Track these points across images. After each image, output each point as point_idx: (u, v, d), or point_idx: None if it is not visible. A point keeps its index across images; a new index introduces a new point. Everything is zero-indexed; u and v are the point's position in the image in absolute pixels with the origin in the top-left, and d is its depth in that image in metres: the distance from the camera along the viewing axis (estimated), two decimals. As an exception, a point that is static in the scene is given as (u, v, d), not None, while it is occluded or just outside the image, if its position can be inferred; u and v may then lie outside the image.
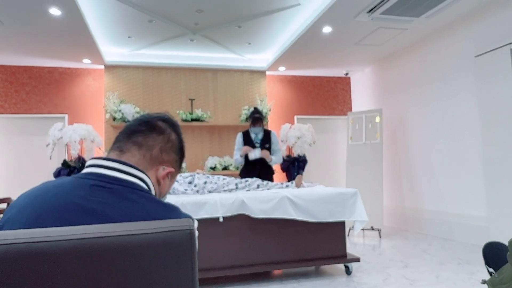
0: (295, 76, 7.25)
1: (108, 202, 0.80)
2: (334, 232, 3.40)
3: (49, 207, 0.78)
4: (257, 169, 4.24)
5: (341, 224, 3.44)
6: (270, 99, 6.94)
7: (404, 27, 4.92)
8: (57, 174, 5.25)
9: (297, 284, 3.18)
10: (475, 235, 4.53)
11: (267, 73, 6.93)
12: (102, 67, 6.28)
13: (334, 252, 3.38)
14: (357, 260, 3.41)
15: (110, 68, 6.21)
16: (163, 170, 0.97)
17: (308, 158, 6.25)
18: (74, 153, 5.31)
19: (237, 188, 3.55)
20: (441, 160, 5.15)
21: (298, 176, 3.92)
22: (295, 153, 6.18)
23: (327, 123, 7.40)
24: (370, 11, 4.35)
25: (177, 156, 1.02)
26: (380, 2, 4.14)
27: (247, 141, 4.34)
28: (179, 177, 3.50)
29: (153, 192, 0.93)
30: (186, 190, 3.39)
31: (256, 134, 4.33)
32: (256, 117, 4.27)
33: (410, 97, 5.82)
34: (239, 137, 4.39)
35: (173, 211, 0.85)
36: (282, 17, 4.97)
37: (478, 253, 3.86)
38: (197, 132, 6.47)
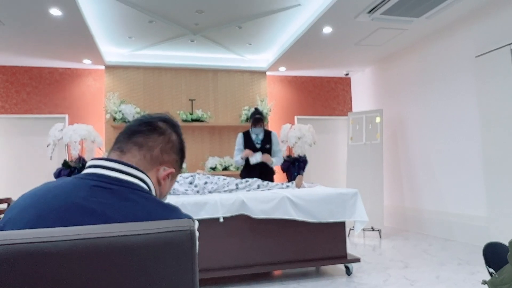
0: (295, 77, 7.25)
1: (108, 202, 0.80)
2: (335, 233, 3.40)
3: (50, 208, 0.78)
4: (257, 170, 4.24)
5: (342, 225, 3.44)
6: (270, 100, 6.94)
7: (404, 27, 4.92)
8: (58, 174, 5.25)
9: (297, 284, 3.18)
10: (476, 235, 4.52)
11: (268, 73, 6.94)
12: (103, 67, 6.28)
13: (335, 252, 3.38)
14: (357, 260, 3.41)
15: (111, 68, 6.21)
16: (163, 171, 0.97)
17: (308, 158, 6.25)
18: (75, 154, 5.32)
19: (237, 188, 3.55)
20: (441, 160, 5.15)
21: (299, 176, 3.92)
22: (296, 153, 6.18)
23: (328, 123, 7.40)
24: (370, 11, 4.35)
25: (177, 156, 1.02)
26: (380, 3, 4.14)
27: (248, 141, 4.34)
28: (179, 177, 3.50)
29: (153, 193, 0.93)
30: (186, 190, 3.39)
31: (257, 135, 4.33)
32: (257, 117, 4.26)
33: (410, 97, 5.82)
34: (240, 137, 4.39)
35: (173, 212, 0.85)
36: (282, 18, 4.97)
37: (478, 253, 3.86)
38: (197, 133, 6.47)
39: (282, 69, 6.75)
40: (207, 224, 3.03)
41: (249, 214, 3.12)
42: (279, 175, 5.90)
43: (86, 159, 5.43)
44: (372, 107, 6.77)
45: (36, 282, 0.64)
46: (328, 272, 3.53)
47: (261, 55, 6.51)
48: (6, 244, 0.63)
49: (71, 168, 5.24)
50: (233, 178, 3.66)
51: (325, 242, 3.36)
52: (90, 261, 0.66)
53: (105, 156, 0.95)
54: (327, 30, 4.93)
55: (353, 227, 3.53)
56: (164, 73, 6.42)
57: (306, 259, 3.31)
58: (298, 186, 3.80)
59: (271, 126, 6.80)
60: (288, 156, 6.21)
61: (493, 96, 4.27)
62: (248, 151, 4.21)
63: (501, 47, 4.16)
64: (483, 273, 3.08)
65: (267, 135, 4.36)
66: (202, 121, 6.27)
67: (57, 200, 0.79)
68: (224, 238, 3.12)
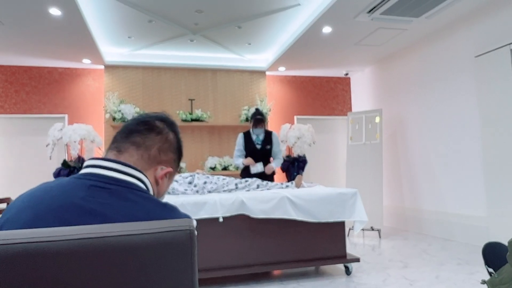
0: (295, 76, 7.25)
1: (107, 202, 0.80)
2: (334, 232, 3.40)
3: (48, 208, 0.78)
4: (257, 169, 4.24)
5: (341, 224, 3.44)
6: (270, 99, 6.94)
7: (404, 27, 4.92)
8: (57, 174, 5.25)
9: (296, 284, 3.18)
10: (475, 235, 4.53)
11: (267, 73, 6.94)
12: (102, 67, 6.28)
13: (334, 252, 3.38)
14: (357, 260, 3.41)
15: (110, 68, 6.21)
16: (161, 170, 0.97)
17: (308, 158, 6.25)
18: (74, 153, 5.31)
19: (237, 188, 3.55)
20: (441, 160, 5.15)
21: (298, 176, 3.92)
22: (295, 153, 6.18)
23: (327, 123, 7.40)
24: (370, 11, 4.35)
25: (175, 155, 1.02)
26: (380, 3, 4.14)
27: (248, 142, 4.34)
28: (178, 177, 3.50)
29: (151, 192, 0.93)
30: (186, 190, 3.39)
31: (258, 135, 4.33)
32: (258, 118, 4.26)
33: (410, 97, 5.82)
34: (240, 138, 4.38)
35: (172, 211, 0.85)
36: (282, 18, 4.97)
37: (478, 253, 3.87)
38: (197, 132, 6.47)
39: (281, 69, 6.75)
40: (207, 224, 3.03)
41: (248, 214, 3.12)
42: (278, 175, 5.90)
43: (86, 159, 5.42)
44: (371, 107, 6.77)
45: (35, 282, 0.64)
46: (328, 272, 3.53)
47: (261, 55, 6.51)
48: (5, 244, 0.63)
49: (70, 168, 5.23)
50: (232, 178, 3.66)
51: (324, 242, 3.36)
52: (89, 261, 0.66)
53: (102, 155, 0.95)
54: (326, 30, 4.93)
55: (353, 227, 3.53)
56: (163, 73, 6.42)
57: (306, 259, 3.31)
58: (298, 186, 3.80)
59: (270, 126, 6.80)
60: (288, 156, 6.21)
61: (492, 96, 4.27)
62: (250, 160, 4.21)
63: (500, 47, 4.17)
64: (483, 273, 3.08)
65: (268, 135, 4.36)
66: (201, 121, 6.27)
67: (55, 200, 0.79)
68: (223, 238, 3.12)
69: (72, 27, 4.62)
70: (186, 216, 0.84)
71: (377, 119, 5.71)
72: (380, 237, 5.24)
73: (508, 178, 4.07)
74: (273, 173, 4.43)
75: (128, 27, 5.11)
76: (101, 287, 0.67)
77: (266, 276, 3.44)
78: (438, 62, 5.21)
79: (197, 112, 6.27)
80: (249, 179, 3.69)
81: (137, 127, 0.97)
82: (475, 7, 4.45)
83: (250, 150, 4.32)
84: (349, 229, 5.39)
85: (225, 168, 6.23)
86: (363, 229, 5.36)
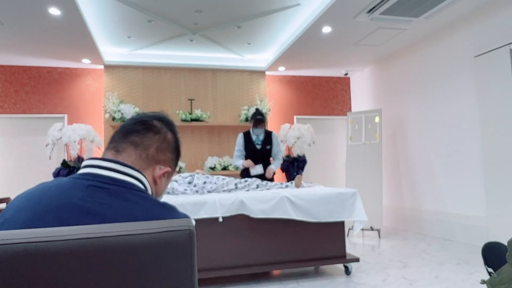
0: (294, 76, 7.25)
1: (106, 202, 0.80)
2: (334, 232, 3.40)
3: (47, 208, 0.78)
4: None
5: (341, 224, 3.44)
6: (269, 99, 6.94)
7: (404, 27, 4.92)
8: (57, 174, 5.25)
9: (296, 284, 3.18)
10: (475, 235, 4.53)
11: (267, 73, 6.94)
12: (102, 67, 6.28)
13: (334, 252, 3.38)
14: (356, 260, 3.41)
15: (110, 68, 6.21)
16: (159, 170, 0.97)
17: (307, 158, 6.25)
18: (74, 153, 5.31)
19: (236, 188, 3.55)
20: (440, 160, 5.15)
21: (298, 176, 3.92)
22: (295, 153, 6.18)
23: (327, 123, 7.40)
24: (369, 11, 4.35)
25: (173, 155, 1.02)
26: (379, 2, 4.14)
27: (248, 142, 4.33)
28: (178, 177, 3.50)
29: (149, 192, 0.93)
30: (185, 190, 3.39)
31: (258, 136, 4.32)
32: (259, 118, 4.25)
33: (409, 97, 5.82)
34: (240, 138, 4.38)
35: (170, 211, 0.85)
36: (281, 17, 4.97)
37: (477, 253, 3.87)
38: (196, 132, 6.47)
39: (281, 68, 6.75)
40: (206, 223, 3.03)
41: (248, 214, 3.12)
42: (278, 175, 5.90)
43: (85, 158, 5.42)
44: (371, 107, 6.77)
45: (34, 282, 0.64)
46: (327, 272, 3.54)
47: (261, 55, 6.51)
48: (4, 244, 0.63)
49: (70, 168, 5.23)
50: (232, 178, 3.66)
51: (324, 242, 3.36)
52: (89, 261, 0.66)
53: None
54: (326, 30, 4.94)
55: (352, 226, 3.53)
56: (163, 72, 6.42)
57: (305, 259, 3.31)
58: (297, 186, 3.80)
59: (270, 126, 6.80)
60: (287, 156, 6.21)
61: (492, 95, 4.27)
62: (250, 162, 4.21)
63: (500, 47, 4.17)
64: (482, 272, 3.08)
65: (268, 135, 4.35)
66: (201, 120, 6.27)
67: (54, 200, 0.79)
68: (223, 238, 3.12)
69: (72, 27, 4.62)
70: (185, 216, 0.84)
71: (377, 119, 5.71)
72: (379, 237, 5.24)
73: (508, 178, 4.07)
74: (273, 173, 4.43)
75: (128, 27, 5.11)
76: (101, 287, 0.67)
77: (265, 276, 3.44)
78: (437, 62, 5.21)
79: (197, 112, 6.27)
80: (249, 179, 3.69)
81: (135, 126, 0.97)
82: (474, 7, 4.45)
83: (250, 150, 4.31)
84: (349, 229, 5.39)
85: (224, 168, 6.22)
86: (362, 229, 5.37)
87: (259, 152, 4.31)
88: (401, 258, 3.96)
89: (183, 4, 4.47)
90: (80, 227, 0.70)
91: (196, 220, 2.97)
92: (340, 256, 3.40)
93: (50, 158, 5.47)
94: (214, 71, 6.60)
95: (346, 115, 6.81)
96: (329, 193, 3.37)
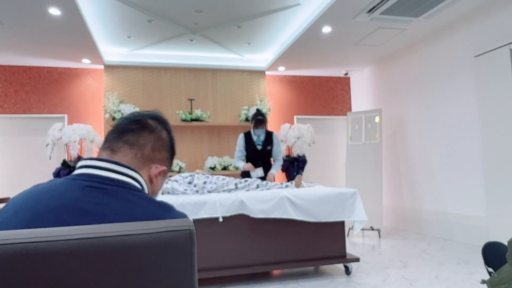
0: (294, 76, 7.25)
1: (103, 202, 0.79)
2: (334, 232, 3.40)
3: (46, 208, 0.77)
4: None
5: (341, 224, 3.44)
6: (269, 99, 6.94)
7: (404, 27, 4.92)
8: (57, 174, 5.25)
9: (296, 284, 3.18)
10: (475, 235, 4.53)
11: (267, 73, 6.94)
12: (102, 67, 6.28)
13: (334, 252, 3.38)
14: (356, 260, 3.41)
15: (110, 68, 6.21)
16: (155, 169, 0.96)
17: (307, 158, 6.25)
18: (74, 153, 5.31)
19: (236, 188, 3.55)
20: (440, 160, 5.15)
21: (298, 176, 3.92)
22: (295, 153, 6.18)
23: (327, 123, 7.40)
24: (369, 11, 4.35)
25: (168, 154, 1.02)
26: (379, 2, 4.14)
27: (249, 142, 4.33)
28: (178, 177, 3.50)
29: (146, 191, 0.93)
30: (185, 190, 3.39)
31: (258, 136, 4.32)
32: (259, 119, 4.25)
33: (409, 97, 5.82)
34: (241, 138, 4.38)
35: (168, 210, 0.85)
36: (281, 17, 4.97)
37: (477, 253, 3.87)
38: (196, 132, 6.47)
39: (281, 68, 6.74)
40: (206, 223, 3.03)
41: (248, 214, 3.12)
42: (278, 175, 5.90)
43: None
44: (371, 106, 6.77)
45: (34, 282, 0.64)
46: (327, 272, 3.54)
47: (260, 55, 6.51)
48: (4, 244, 0.63)
49: (70, 168, 5.23)
50: (232, 178, 3.66)
51: (324, 242, 3.36)
52: (88, 261, 0.66)
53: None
54: (326, 29, 4.93)
55: (352, 226, 3.53)
56: (163, 72, 6.42)
57: (305, 259, 3.31)
58: (297, 185, 3.80)
59: (270, 126, 6.80)
60: (287, 156, 6.21)
61: (492, 95, 4.27)
62: (250, 166, 4.21)
63: (500, 47, 4.17)
64: (482, 272, 3.08)
65: (268, 136, 4.35)
66: (201, 120, 6.27)
67: (53, 200, 0.78)
68: (223, 237, 3.12)
69: (72, 27, 4.62)
70: (183, 215, 0.84)
71: (377, 119, 5.71)
72: (379, 237, 5.24)
73: (507, 178, 4.07)
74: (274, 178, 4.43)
75: (128, 27, 5.11)
76: (101, 287, 0.67)
77: (265, 276, 3.44)
78: (437, 62, 5.21)
79: (197, 112, 6.27)
80: (249, 179, 3.69)
81: (130, 126, 0.97)
82: (474, 7, 4.45)
83: (251, 150, 4.31)
84: (349, 229, 5.39)
85: (224, 168, 6.22)
86: (362, 229, 5.37)
87: (259, 153, 4.31)
88: (401, 258, 3.96)
89: (183, 4, 4.47)
90: (80, 227, 0.70)
91: (196, 220, 2.97)
92: (340, 256, 3.40)
93: (50, 158, 5.47)
94: (214, 71, 6.60)
95: (346, 115, 6.81)
96: (329, 193, 3.37)
